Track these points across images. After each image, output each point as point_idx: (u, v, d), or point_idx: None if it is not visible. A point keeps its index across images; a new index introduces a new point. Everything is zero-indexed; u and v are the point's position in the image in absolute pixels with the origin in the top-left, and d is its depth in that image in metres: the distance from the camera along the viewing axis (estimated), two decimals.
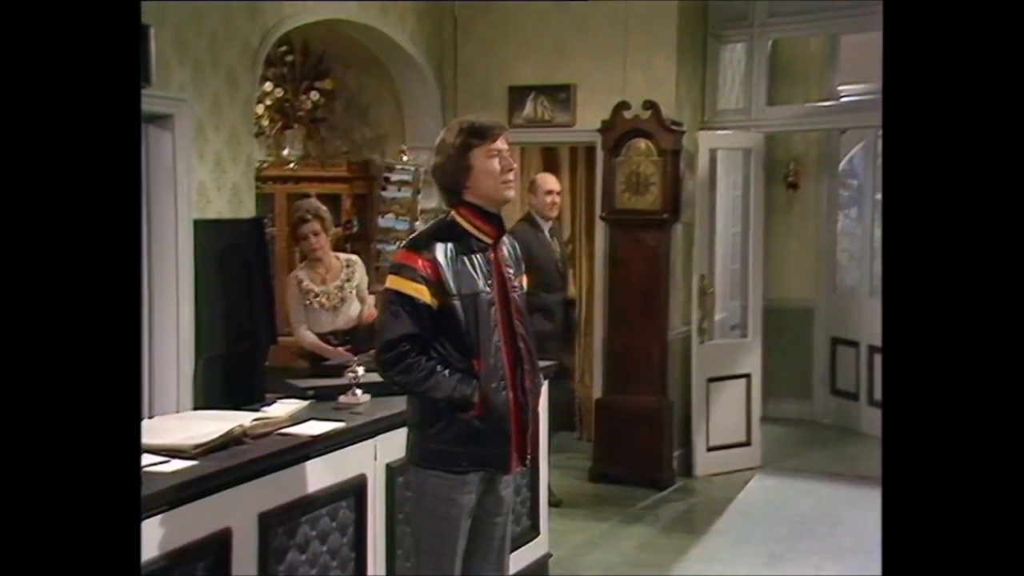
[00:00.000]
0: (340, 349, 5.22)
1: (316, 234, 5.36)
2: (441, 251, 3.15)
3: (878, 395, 8.09)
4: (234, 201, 5.35)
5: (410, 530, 3.43)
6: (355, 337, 5.40)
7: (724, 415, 7.10)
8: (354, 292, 5.44)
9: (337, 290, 5.40)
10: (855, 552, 5.51)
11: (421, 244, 3.17)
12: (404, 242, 3.26)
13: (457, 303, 3.13)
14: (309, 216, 5.33)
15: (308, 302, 5.33)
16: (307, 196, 7.39)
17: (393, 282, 3.13)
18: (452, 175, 3.22)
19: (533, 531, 4.89)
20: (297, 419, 3.66)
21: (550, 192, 6.32)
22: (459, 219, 3.23)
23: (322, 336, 5.32)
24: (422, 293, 3.10)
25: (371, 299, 5.52)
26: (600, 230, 7.10)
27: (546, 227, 6.33)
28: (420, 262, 3.12)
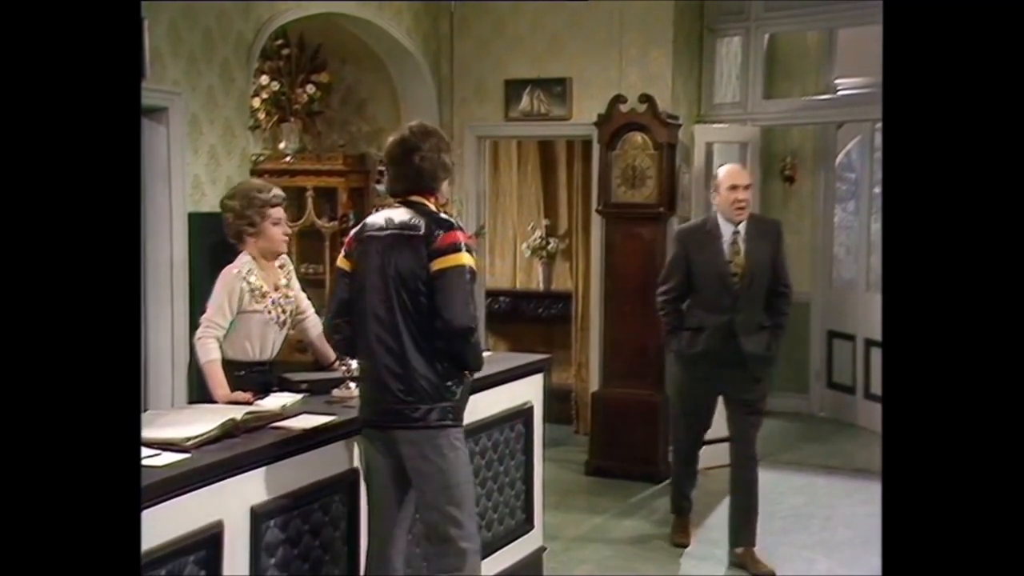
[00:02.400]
0: (246, 395, 3.87)
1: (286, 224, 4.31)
2: None
3: (874, 389, 8.11)
4: None
5: (442, 499, 3.49)
6: (270, 371, 4.21)
7: (720, 409, 7.09)
8: (296, 299, 4.30)
9: (285, 300, 4.22)
10: (849, 546, 5.52)
11: (460, 225, 3.59)
12: (448, 223, 3.53)
13: None
14: (279, 200, 4.22)
15: (261, 309, 4.11)
16: (304, 190, 7.44)
17: (468, 260, 3.47)
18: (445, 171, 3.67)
19: (527, 525, 4.89)
20: (290, 412, 3.66)
21: (734, 187, 5.08)
22: (434, 208, 3.61)
23: (249, 366, 4.09)
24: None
25: (312, 309, 4.43)
26: (596, 224, 7.11)
27: (727, 230, 5.10)
28: (469, 239, 3.56)
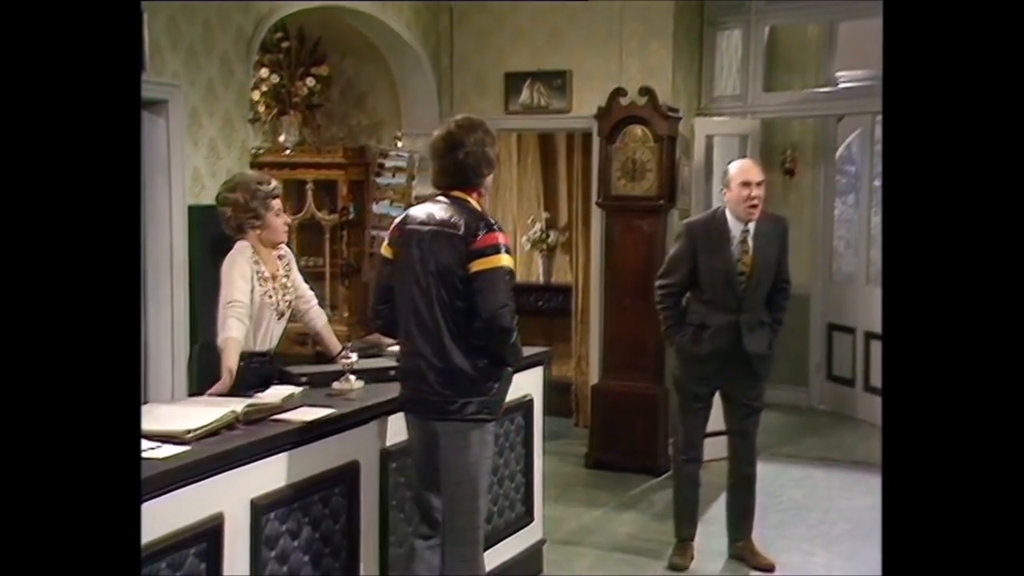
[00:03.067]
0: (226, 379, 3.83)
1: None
2: None
3: (874, 381, 8.12)
4: None
5: (465, 491, 3.64)
6: (271, 363, 4.17)
7: (720, 401, 7.10)
8: (294, 290, 4.30)
9: (283, 289, 4.21)
10: (847, 538, 5.53)
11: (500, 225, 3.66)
12: (488, 224, 3.57)
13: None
14: (279, 191, 4.26)
15: (262, 293, 4.09)
16: (303, 183, 7.44)
17: (507, 261, 3.55)
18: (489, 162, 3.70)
19: (527, 517, 4.90)
20: (290, 405, 3.67)
21: (747, 184, 4.83)
22: (475, 204, 3.67)
23: (248, 357, 4.03)
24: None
25: (315, 300, 4.48)
26: (596, 217, 7.11)
27: (737, 229, 4.88)
28: (507, 240, 3.62)
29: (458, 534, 3.67)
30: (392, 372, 4.19)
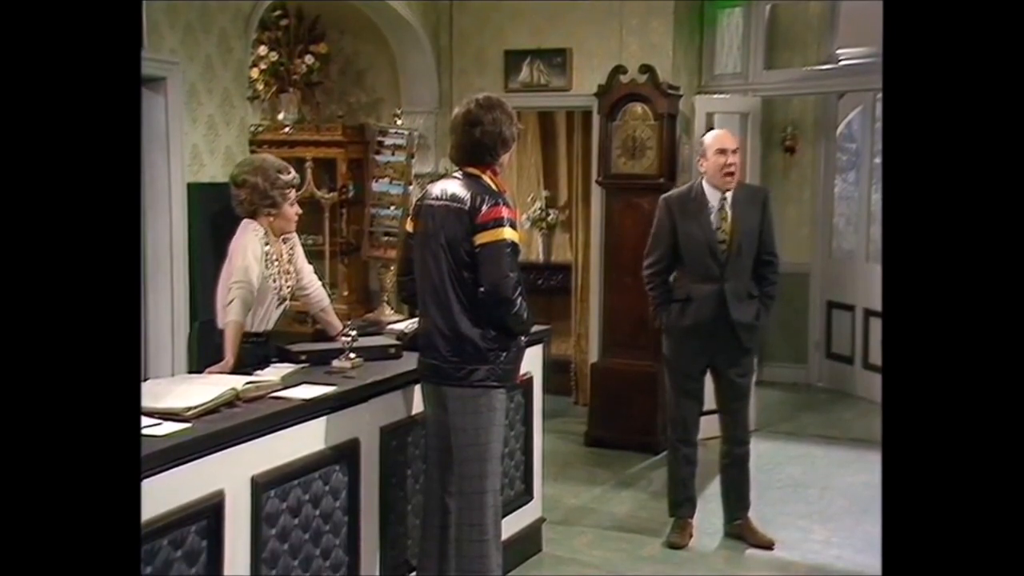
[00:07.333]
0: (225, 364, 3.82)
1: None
2: None
3: (873, 359, 8.14)
4: (228, 164, 5.33)
5: (472, 455, 3.74)
6: (267, 343, 4.15)
7: (710, 380, 7.09)
8: (296, 275, 4.26)
9: (286, 275, 4.18)
10: (845, 515, 5.55)
11: (506, 200, 3.75)
12: (494, 198, 3.67)
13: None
14: (297, 182, 4.24)
15: (268, 275, 4.04)
16: (303, 160, 7.40)
17: (511, 235, 3.67)
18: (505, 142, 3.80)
19: (527, 495, 4.92)
20: (290, 383, 3.67)
21: (722, 151, 4.92)
22: (489, 180, 3.75)
23: (245, 337, 3.96)
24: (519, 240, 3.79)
25: (317, 283, 4.44)
26: (596, 195, 7.10)
27: (715, 198, 4.96)
28: (512, 214, 3.72)
29: (466, 498, 3.78)
30: (392, 350, 4.22)
